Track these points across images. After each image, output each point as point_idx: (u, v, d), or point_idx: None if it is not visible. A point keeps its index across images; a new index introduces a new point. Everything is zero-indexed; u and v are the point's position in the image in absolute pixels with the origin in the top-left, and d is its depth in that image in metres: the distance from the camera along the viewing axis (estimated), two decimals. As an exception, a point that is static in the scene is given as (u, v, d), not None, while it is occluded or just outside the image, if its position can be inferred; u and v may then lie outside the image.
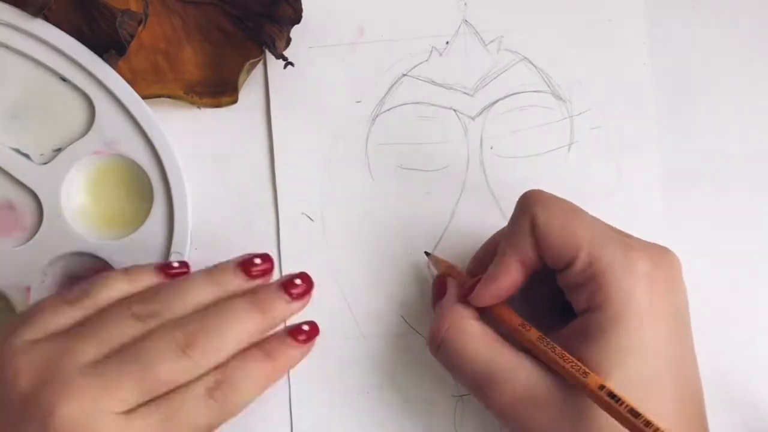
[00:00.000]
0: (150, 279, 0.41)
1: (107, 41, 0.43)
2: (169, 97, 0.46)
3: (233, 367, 0.38)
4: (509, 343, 0.39)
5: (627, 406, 0.34)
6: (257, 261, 0.41)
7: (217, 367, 0.38)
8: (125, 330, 0.37)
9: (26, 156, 0.45)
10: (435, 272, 0.45)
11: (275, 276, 0.44)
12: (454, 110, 0.47)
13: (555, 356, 0.37)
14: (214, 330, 0.38)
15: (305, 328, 0.41)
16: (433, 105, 0.47)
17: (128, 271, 0.41)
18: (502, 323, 0.40)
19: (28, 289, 0.44)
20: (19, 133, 0.45)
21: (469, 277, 0.42)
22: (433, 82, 0.47)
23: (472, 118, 0.47)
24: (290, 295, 0.41)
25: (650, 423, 0.33)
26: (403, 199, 0.47)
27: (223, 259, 0.44)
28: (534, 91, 0.47)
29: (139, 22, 0.44)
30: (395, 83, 0.48)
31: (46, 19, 0.44)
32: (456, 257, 0.46)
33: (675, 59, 0.47)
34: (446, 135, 0.47)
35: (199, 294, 0.39)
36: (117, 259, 0.44)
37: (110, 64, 0.44)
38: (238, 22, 0.46)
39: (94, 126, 0.44)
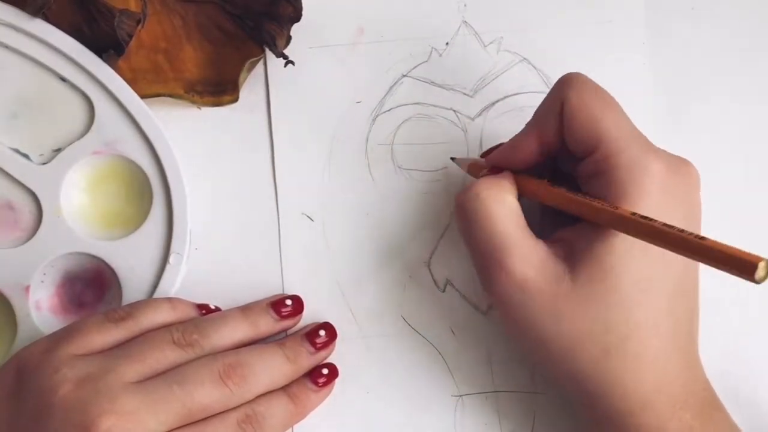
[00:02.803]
0: (191, 311, 0.43)
1: (107, 41, 0.43)
2: (169, 96, 0.45)
3: (262, 404, 0.41)
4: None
5: (660, 222, 0.34)
6: (288, 302, 0.44)
7: (246, 403, 0.40)
8: (167, 354, 0.39)
9: (26, 156, 0.44)
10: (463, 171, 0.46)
11: (275, 275, 0.45)
12: (454, 111, 0.47)
13: (586, 200, 0.38)
14: (249, 366, 0.40)
15: (324, 372, 0.44)
16: (432, 105, 0.47)
17: (171, 300, 0.42)
18: (529, 188, 0.41)
19: (27, 288, 0.43)
20: (19, 133, 0.44)
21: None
22: (433, 83, 0.48)
23: (472, 119, 0.47)
24: (314, 345, 0.43)
25: (684, 230, 0.33)
26: (403, 199, 0.47)
27: (222, 260, 0.46)
28: (533, 92, 0.47)
29: (138, 22, 0.44)
30: (395, 84, 0.48)
31: (46, 18, 0.44)
32: (456, 258, 0.46)
33: (675, 60, 0.48)
34: (446, 135, 0.47)
35: (234, 329, 0.42)
36: (116, 260, 0.44)
37: (109, 64, 0.44)
38: (238, 20, 0.46)
39: (94, 126, 0.44)
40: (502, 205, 0.39)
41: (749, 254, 0.30)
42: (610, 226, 0.37)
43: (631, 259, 0.37)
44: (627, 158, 0.37)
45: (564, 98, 0.39)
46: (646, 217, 0.35)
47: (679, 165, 0.39)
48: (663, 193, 0.37)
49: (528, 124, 0.41)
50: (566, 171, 0.42)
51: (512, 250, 0.38)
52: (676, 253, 0.33)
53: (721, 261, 0.31)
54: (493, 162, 0.42)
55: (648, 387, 0.37)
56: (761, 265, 0.30)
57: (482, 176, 0.42)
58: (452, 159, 0.47)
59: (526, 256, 0.38)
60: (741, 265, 0.30)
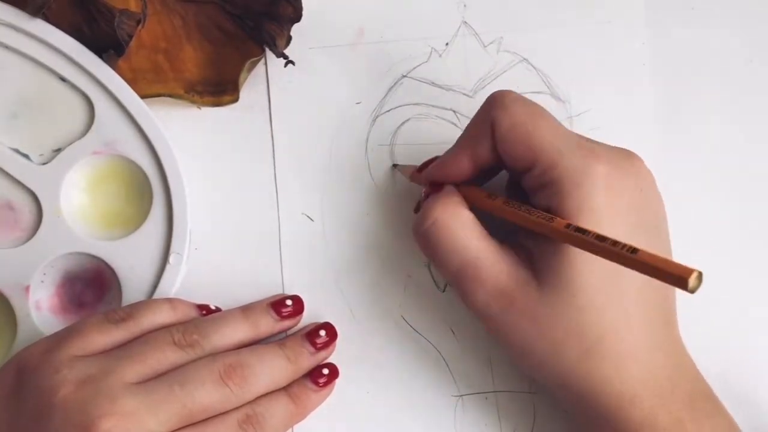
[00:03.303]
0: (191, 311, 0.43)
1: (107, 41, 0.43)
2: (169, 96, 0.45)
3: (262, 405, 0.40)
4: (491, 236, 0.40)
5: (593, 233, 0.34)
6: (288, 302, 0.44)
7: (247, 404, 0.40)
8: (167, 355, 0.39)
9: (26, 156, 0.44)
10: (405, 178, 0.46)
11: (276, 275, 0.46)
12: (454, 111, 0.47)
13: (522, 212, 0.38)
14: (249, 366, 0.40)
15: (325, 372, 0.44)
16: (432, 106, 0.47)
17: (172, 300, 0.42)
18: (471, 198, 0.41)
19: (27, 288, 0.43)
20: (19, 133, 0.44)
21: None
22: (433, 83, 0.48)
23: (472, 119, 0.47)
24: (314, 345, 0.43)
25: (617, 243, 0.33)
26: (402, 200, 0.47)
27: (222, 260, 0.46)
28: (533, 92, 0.47)
29: (138, 22, 0.44)
30: (395, 84, 0.48)
31: (46, 18, 0.44)
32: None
33: (674, 60, 0.48)
34: (446, 136, 0.47)
35: (235, 329, 0.42)
36: (116, 260, 0.44)
37: (109, 64, 0.44)
38: (238, 20, 0.46)
39: (94, 126, 0.44)
40: (459, 223, 0.40)
41: (680, 266, 0.31)
42: (549, 236, 0.37)
43: (589, 263, 0.37)
44: (565, 168, 0.37)
45: (493, 119, 0.39)
46: (580, 229, 0.35)
47: (623, 161, 0.39)
48: (609, 194, 0.37)
49: (458, 143, 0.41)
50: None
51: (479, 263, 0.39)
52: (614, 262, 0.34)
53: (654, 272, 0.32)
54: (429, 178, 0.42)
55: (634, 381, 0.37)
56: (693, 276, 0.30)
57: (425, 193, 0.43)
58: (394, 166, 0.47)
59: (494, 266, 0.39)
60: (673, 277, 0.31)
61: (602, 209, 0.37)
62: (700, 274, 0.31)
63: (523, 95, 0.40)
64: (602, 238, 0.34)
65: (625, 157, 0.39)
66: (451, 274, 0.40)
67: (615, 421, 0.37)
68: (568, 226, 0.36)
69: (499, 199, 0.40)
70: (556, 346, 0.38)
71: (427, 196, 0.43)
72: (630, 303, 0.37)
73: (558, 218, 0.37)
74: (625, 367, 0.37)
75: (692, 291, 0.31)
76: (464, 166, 0.41)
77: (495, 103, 0.39)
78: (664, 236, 0.40)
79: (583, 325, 0.37)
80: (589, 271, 0.37)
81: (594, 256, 0.35)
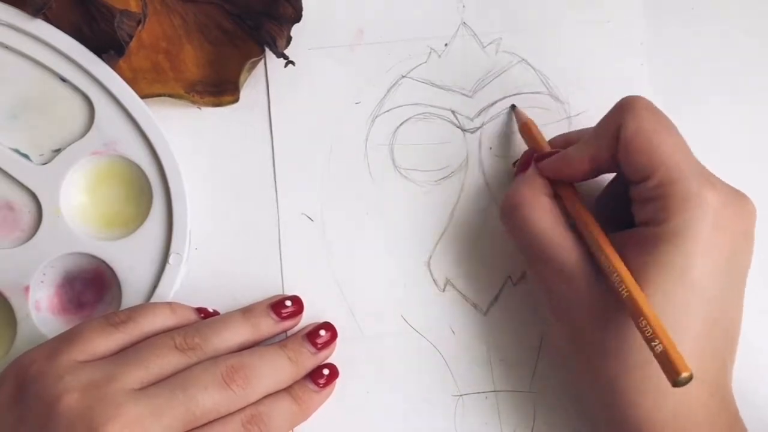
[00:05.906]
0: (190, 314, 0.43)
1: (107, 41, 0.43)
2: (169, 96, 0.46)
3: (266, 405, 0.40)
4: (573, 230, 0.41)
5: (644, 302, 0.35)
6: (288, 303, 0.44)
7: (250, 405, 0.40)
8: (169, 359, 0.39)
9: (26, 156, 0.44)
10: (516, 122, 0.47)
11: (275, 275, 0.46)
12: (453, 111, 0.47)
13: (599, 240, 0.39)
14: (251, 368, 0.40)
15: (325, 372, 0.44)
16: (431, 106, 0.47)
17: (171, 304, 0.42)
18: (563, 197, 0.42)
19: (27, 288, 0.43)
20: (19, 134, 0.44)
21: (545, 142, 0.44)
22: (432, 84, 0.48)
23: (471, 119, 0.47)
24: (315, 345, 0.43)
25: (647, 331, 0.34)
26: (402, 200, 0.47)
27: (222, 260, 0.46)
28: (532, 92, 0.48)
29: (138, 23, 0.44)
30: (394, 84, 0.48)
31: (46, 18, 0.44)
32: (456, 256, 0.46)
33: (673, 60, 0.48)
34: (445, 136, 0.47)
35: (235, 332, 0.42)
36: (116, 260, 0.44)
37: (109, 65, 0.44)
38: (238, 20, 0.46)
39: (94, 126, 0.44)
40: (536, 210, 0.41)
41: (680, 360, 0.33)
42: (607, 273, 0.38)
43: (662, 291, 0.36)
44: (682, 188, 0.37)
45: (621, 123, 0.38)
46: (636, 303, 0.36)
47: (735, 199, 0.38)
48: (715, 228, 0.37)
49: (583, 141, 0.41)
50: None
51: (549, 243, 0.40)
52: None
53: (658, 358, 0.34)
54: (546, 172, 0.42)
55: (666, 412, 0.36)
56: (684, 375, 0.33)
57: (516, 172, 0.45)
58: (512, 106, 0.47)
59: (561, 249, 0.39)
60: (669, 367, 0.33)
61: (703, 240, 0.36)
62: (690, 376, 0.33)
63: (653, 104, 0.39)
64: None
65: (739, 197, 0.39)
66: (524, 250, 0.42)
67: None
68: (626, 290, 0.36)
69: (583, 208, 0.41)
70: (596, 347, 0.38)
71: (523, 165, 0.44)
72: (693, 335, 0.37)
73: (629, 281, 0.37)
74: (664, 398, 0.36)
75: (675, 386, 0.33)
76: (583, 166, 0.40)
77: (625, 107, 0.39)
78: (742, 285, 0.40)
79: (633, 344, 0.36)
80: (661, 299, 0.36)
81: (668, 285, 0.36)
